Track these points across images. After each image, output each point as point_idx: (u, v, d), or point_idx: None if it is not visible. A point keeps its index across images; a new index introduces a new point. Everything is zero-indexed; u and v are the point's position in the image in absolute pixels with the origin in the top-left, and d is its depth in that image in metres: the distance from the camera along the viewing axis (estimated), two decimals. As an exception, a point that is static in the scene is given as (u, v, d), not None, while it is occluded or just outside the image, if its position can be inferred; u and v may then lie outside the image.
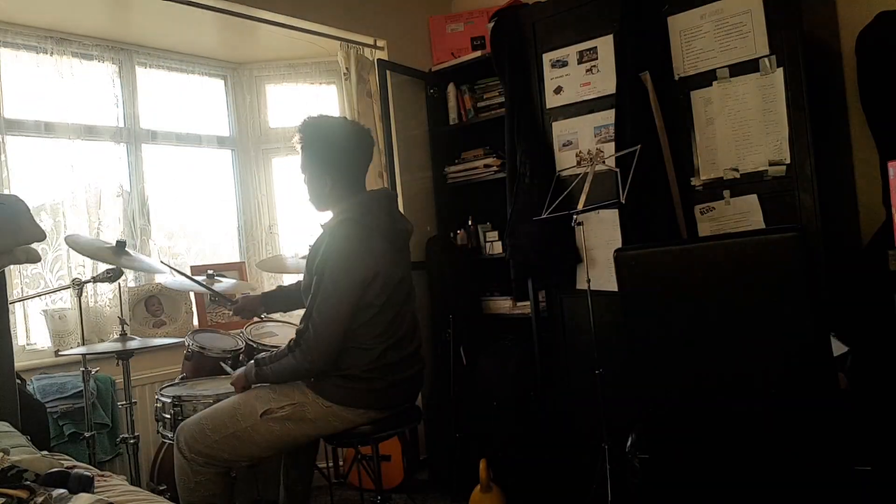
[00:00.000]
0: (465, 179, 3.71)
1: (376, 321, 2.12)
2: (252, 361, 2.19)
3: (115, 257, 2.55)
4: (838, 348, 2.21)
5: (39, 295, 3.00)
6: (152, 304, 3.31)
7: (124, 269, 2.80)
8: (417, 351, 2.31)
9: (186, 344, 2.88)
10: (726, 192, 2.55)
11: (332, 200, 2.20)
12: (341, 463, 3.46)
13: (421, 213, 3.72)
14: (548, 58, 3.01)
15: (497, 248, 3.56)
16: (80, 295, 2.71)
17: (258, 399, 2.14)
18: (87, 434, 2.64)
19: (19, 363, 2.59)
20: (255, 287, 3.71)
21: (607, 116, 2.81)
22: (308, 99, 3.95)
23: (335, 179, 2.17)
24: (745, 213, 2.52)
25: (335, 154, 2.17)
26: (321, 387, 2.12)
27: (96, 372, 2.76)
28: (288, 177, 3.89)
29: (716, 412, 2.21)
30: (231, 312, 2.61)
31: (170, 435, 2.38)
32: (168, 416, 2.44)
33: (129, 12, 3.14)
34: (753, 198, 2.49)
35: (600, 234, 2.83)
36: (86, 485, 1.40)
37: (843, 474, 2.04)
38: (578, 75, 2.91)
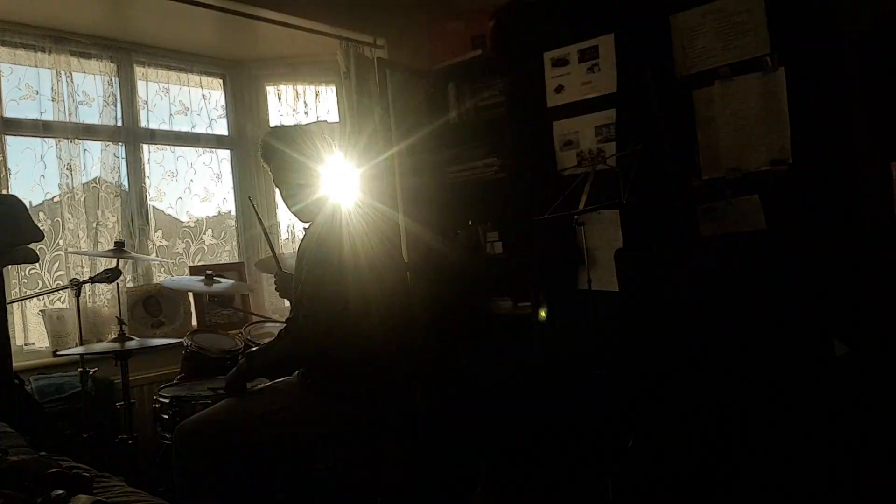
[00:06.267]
0: (466, 179, 3.69)
1: (369, 316, 2.12)
2: (244, 358, 2.19)
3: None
4: (840, 348, 2.21)
5: (37, 295, 2.99)
6: (151, 305, 3.30)
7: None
8: (414, 347, 2.31)
9: (185, 344, 2.87)
10: (728, 192, 2.54)
11: (312, 202, 2.22)
12: (341, 464, 3.44)
13: (421, 213, 3.71)
14: (548, 57, 3.00)
15: (497, 248, 3.54)
16: (78, 295, 2.69)
17: (256, 400, 2.13)
18: (85, 435, 2.62)
19: (17, 363, 2.57)
20: (254, 288, 3.70)
21: (608, 116, 2.80)
22: (307, 98, 3.94)
23: (309, 182, 2.20)
24: (747, 213, 2.51)
25: (302, 159, 2.20)
26: (318, 386, 2.12)
27: (94, 372, 2.74)
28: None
29: (717, 413, 2.21)
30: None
31: (168, 435, 2.37)
32: (167, 417, 2.43)
33: (128, 10, 3.12)
34: (755, 198, 2.48)
35: (601, 234, 2.82)
36: (84, 486, 1.38)
37: (845, 475, 2.03)
38: (579, 74, 2.90)
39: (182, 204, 3.66)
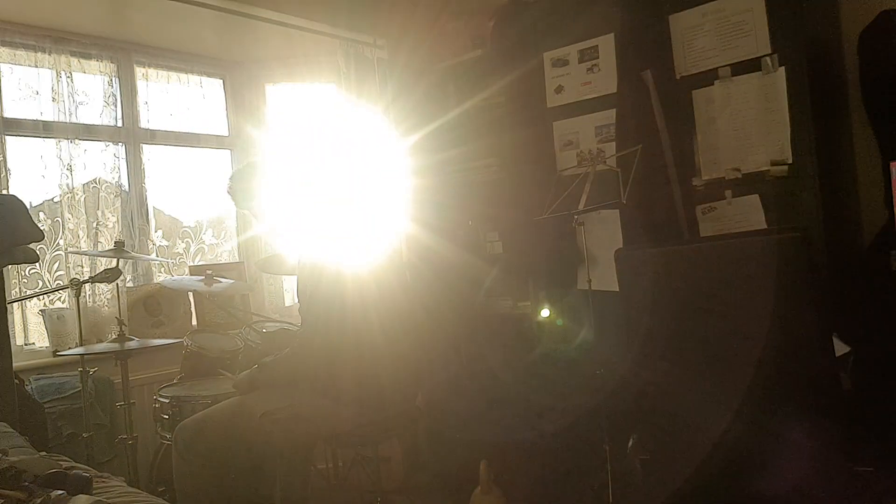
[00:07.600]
0: (466, 179, 3.69)
1: (368, 317, 2.12)
2: (257, 365, 2.21)
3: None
4: (840, 348, 2.20)
5: (37, 295, 2.99)
6: (151, 305, 3.29)
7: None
8: (412, 348, 2.31)
9: (185, 344, 2.87)
10: (728, 192, 2.54)
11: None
12: (341, 464, 3.44)
13: (421, 212, 3.71)
14: (548, 57, 2.99)
15: (497, 248, 3.54)
16: (78, 295, 2.69)
17: (257, 400, 2.14)
18: (85, 435, 2.62)
19: (17, 363, 2.57)
20: (254, 288, 3.70)
21: (608, 116, 2.79)
22: (307, 99, 3.94)
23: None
24: (747, 214, 2.51)
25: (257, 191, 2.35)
26: (319, 386, 2.12)
27: (94, 372, 2.74)
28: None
29: (717, 413, 2.20)
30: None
31: (168, 435, 2.37)
32: (167, 417, 2.43)
33: (128, 10, 3.12)
34: (755, 198, 2.48)
35: (601, 234, 2.82)
36: (84, 486, 1.38)
37: (844, 475, 2.03)
38: (579, 74, 2.90)
39: (182, 204, 3.66)
